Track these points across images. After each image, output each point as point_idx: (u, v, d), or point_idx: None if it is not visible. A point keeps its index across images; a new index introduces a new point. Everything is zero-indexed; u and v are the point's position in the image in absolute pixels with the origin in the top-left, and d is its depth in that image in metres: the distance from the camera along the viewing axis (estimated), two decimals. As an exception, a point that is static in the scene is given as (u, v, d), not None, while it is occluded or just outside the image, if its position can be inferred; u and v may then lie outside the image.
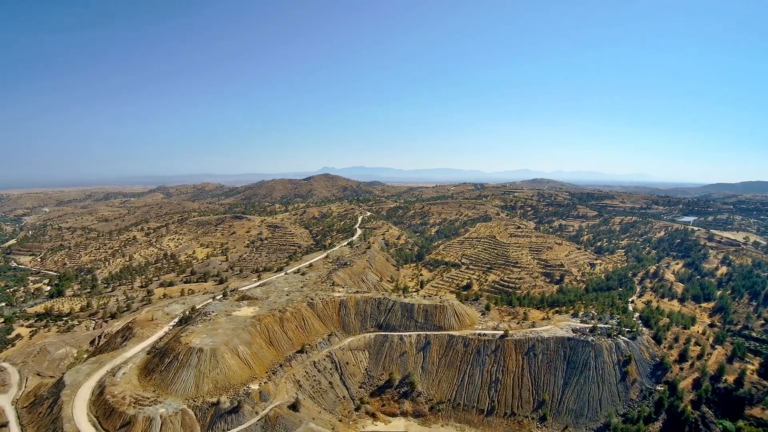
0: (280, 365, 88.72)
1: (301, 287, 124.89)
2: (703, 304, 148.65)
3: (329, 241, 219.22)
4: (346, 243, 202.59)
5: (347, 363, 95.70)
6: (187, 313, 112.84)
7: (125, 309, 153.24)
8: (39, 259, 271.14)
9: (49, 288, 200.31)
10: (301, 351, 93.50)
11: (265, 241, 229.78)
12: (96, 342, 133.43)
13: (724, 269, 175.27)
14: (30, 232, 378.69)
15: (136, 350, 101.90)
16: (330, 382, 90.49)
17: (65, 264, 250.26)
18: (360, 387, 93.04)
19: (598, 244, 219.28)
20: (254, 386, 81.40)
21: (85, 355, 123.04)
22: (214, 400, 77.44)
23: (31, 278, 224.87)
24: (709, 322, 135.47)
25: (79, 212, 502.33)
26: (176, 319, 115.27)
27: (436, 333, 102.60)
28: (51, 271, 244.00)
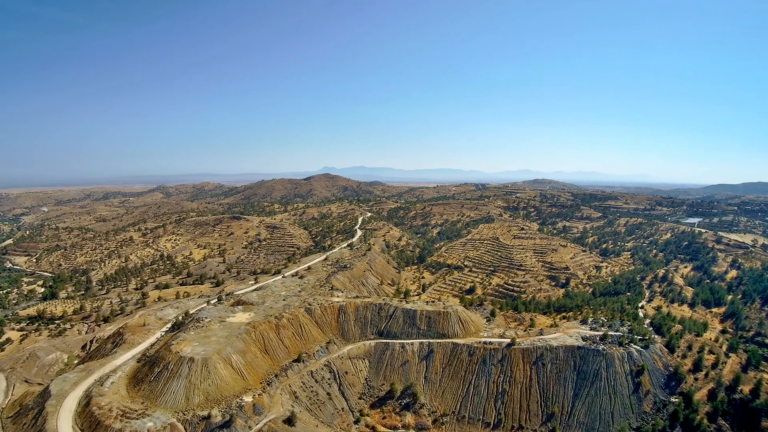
0: (276, 375, 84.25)
1: (299, 291, 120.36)
2: (714, 310, 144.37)
3: (329, 242, 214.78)
4: (345, 245, 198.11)
5: (346, 372, 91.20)
6: (180, 318, 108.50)
7: (119, 312, 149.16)
8: (34, 260, 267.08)
9: (42, 290, 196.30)
10: (297, 360, 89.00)
11: (264, 242, 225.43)
12: (87, 347, 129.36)
13: (733, 273, 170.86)
14: (27, 232, 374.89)
15: (126, 358, 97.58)
16: (328, 393, 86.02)
17: (60, 265, 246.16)
18: (359, 398, 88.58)
19: (604, 246, 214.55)
20: (248, 398, 76.99)
21: (75, 361, 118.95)
22: (205, 413, 73.00)
23: (25, 279, 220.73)
24: (721, 329, 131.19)
25: (77, 212, 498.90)
26: (169, 325, 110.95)
27: (439, 341, 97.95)
28: (46, 272, 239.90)
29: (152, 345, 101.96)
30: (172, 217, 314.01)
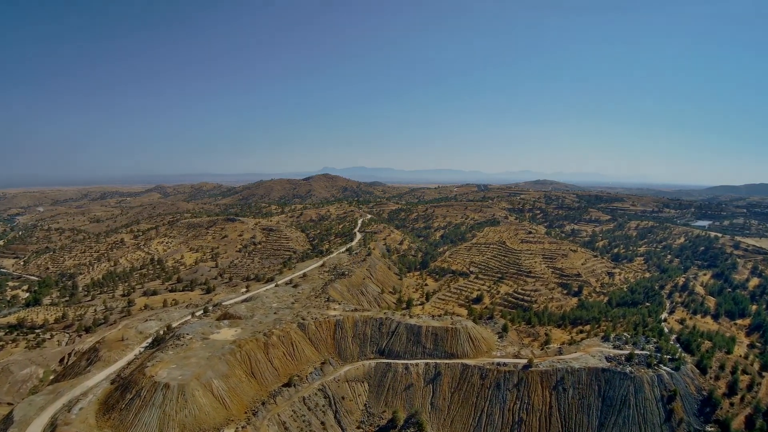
0: (263, 403, 74.45)
1: (292, 303, 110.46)
2: (739, 321, 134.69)
3: (327, 245, 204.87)
4: (344, 249, 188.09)
5: (343, 398, 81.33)
6: (161, 332, 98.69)
7: (102, 321, 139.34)
8: (22, 263, 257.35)
9: (26, 295, 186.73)
10: (288, 384, 79.20)
11: (259, 246, 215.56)
12: (65, 360, 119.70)
13: (755, 281, 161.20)
14: (19, 233, 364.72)
15: (99, 378, 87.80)
16: (322, 423, 76.18)
17: (48, 268, 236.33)
18: (358, 427, 78.72)
19: (615, 250, 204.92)
20: (230, 432, 67.35)
21: (51, 377, 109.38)
22: (180, 450, 63.35)
23: (10, 284, 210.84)
24: (749, 343, 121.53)
25: (72, 212, 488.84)
26: (149, 340, 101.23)
27: (447, 362, 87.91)
28: (33, 275, 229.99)
29: (129, 363, 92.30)
30: (166, 219, 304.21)
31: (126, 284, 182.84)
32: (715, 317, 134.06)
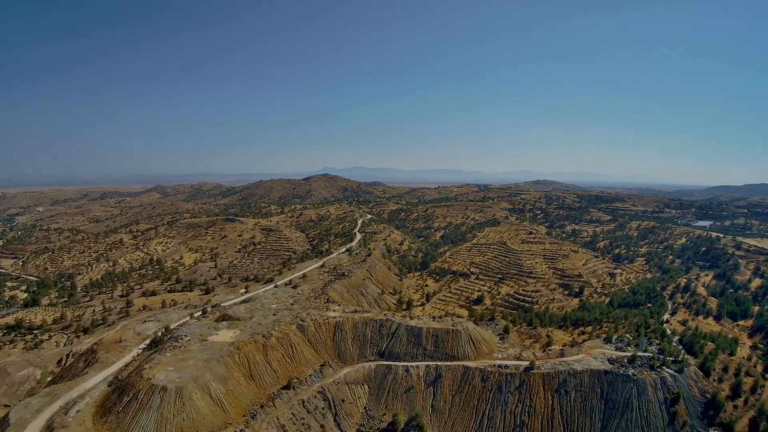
0: (262, 406, 73.59)
1: (292, 304, 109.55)
2: (741, 322, 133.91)
3: (326, 246, 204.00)
4: (344, 249, 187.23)
5: (343, 400, 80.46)
6: (160, 334, 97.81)
7: (100, 322, 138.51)
8: (21, 263, 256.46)
9: (25, 296, 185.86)
10: (287, 387, 78.32)
11: (258, 246, 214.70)
12: (63, 362, 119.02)
13: (757, 281, 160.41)
14: (18, 233, 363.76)
15: (96, 380, 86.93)
16: (322, 426, 75.32)
17: (47, 269, 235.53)
18: (358, 430, 77.81)
19: (616, 251, 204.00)
20: (228, 436, 66.47)
21: (48, 378, 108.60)
22: (177, 455, 62.48)
23: (8, 284, 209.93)
24: (751, 344, 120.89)
25: (71, 212, 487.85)
26: (147, 341, 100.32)
27: (448, 364, 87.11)
28: (32, 275, 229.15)
29: (127, 365, 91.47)
30: (165, 219, 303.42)
31: (125, 285, 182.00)
32: (718, 318, 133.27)
